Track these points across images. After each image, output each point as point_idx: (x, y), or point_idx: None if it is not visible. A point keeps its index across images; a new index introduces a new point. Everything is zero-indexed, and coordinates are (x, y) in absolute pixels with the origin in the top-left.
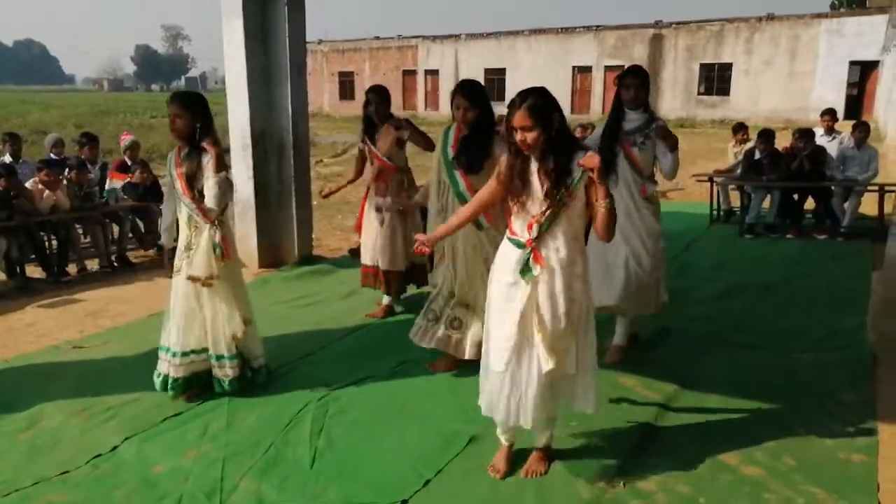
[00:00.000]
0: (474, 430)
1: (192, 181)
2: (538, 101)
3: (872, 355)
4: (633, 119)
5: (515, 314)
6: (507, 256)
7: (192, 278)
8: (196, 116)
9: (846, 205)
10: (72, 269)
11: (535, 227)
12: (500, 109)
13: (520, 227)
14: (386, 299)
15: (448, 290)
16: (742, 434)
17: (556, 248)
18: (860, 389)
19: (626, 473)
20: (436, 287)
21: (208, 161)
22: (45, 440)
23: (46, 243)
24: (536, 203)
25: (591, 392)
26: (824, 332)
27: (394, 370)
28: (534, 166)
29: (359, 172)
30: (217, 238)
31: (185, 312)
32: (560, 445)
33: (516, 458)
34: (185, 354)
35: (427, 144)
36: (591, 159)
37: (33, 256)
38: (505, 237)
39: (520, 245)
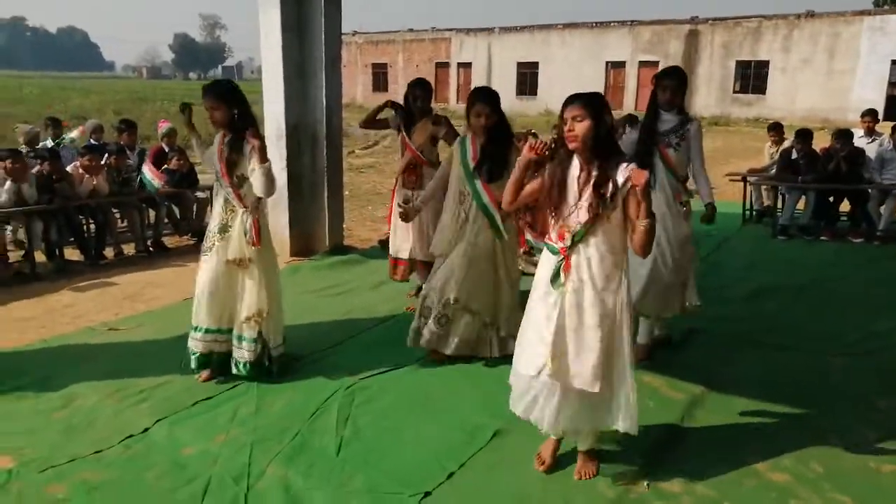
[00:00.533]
0: (499, 423)
1: (232, 167)
2: (593, 96)
3: None
4: (667, 120)
5: (551, 321)
6: (544, 261)
7: (230, 261)
8: (232, 105)
9: (882, 208)
10: (109, 252)
11: (567, 236)
12: (532, 104)
13: (556, 234)
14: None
15: (450, 294)
16: (770, 438)
17: (589, 259)
18: (894, 396)
19: (651, 474)
20: (431, 290)
21: (251, 150)
22: (80, 419)
23: (84, 227)
24: (573, 212)
25: (628, 410)
26: (858, 335)
27: (420, 362)
28: (574, 171)
29: (373, 123)
30: (248, 224)
31: (211, 291)
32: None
33: (566, 459)
34: (208, 331)
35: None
36: (640, 175)
37: (72, 239)
38: (545, 242)
39: (554, 252)
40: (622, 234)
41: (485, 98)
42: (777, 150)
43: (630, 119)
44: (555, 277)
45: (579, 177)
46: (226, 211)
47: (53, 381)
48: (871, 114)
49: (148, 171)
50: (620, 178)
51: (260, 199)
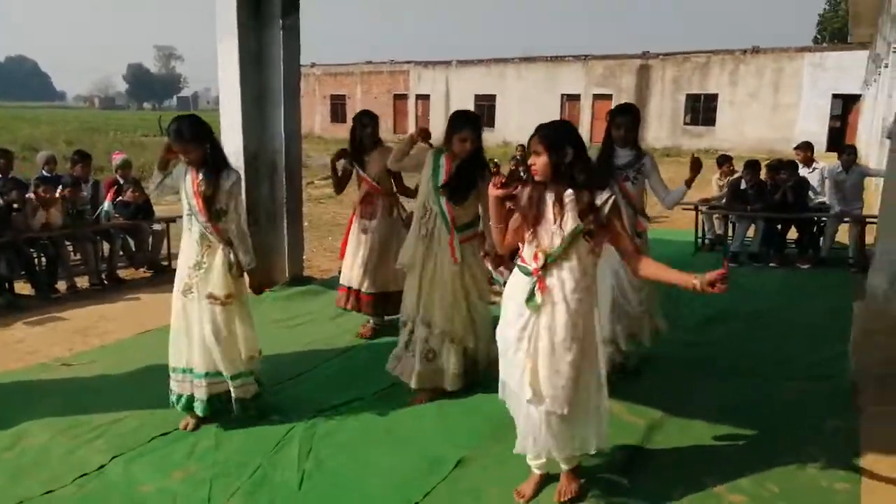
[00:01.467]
0: (462, 452)
1: (210, 202)
2: (550, 130)
3: (854, 385)
4: (622, 155)
5: (523, 341)
6: (516, 282)
7: (211, 297)
8: (204, 141)
9: (823, 237)
10: (61, 286)
11: (541, 256)
12: (489, 136)
13: (529, 255)
14: (372, 320)
15: (424, 319)
16: (727, 461)
17: (563, 281)
18: (843, 418)
19: (612, 499)
20: (409, 316)
21: (230, 187)
22: (30, 459)
23: (36, 260)
24: (548, 234)
25: (594, 430)
26: (807, 360)
27: (382, 392)
28: (549, 197)
29: (343, 186)
30: (232, 257)
31: (202, 335)
32: (546, 470)
33: (545, 484)
34: (207, 375)
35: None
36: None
37: (23, 273)
38: (517, 264)
39: (527, 273)
40: (593, 260)
41: (472, 125)
42: (725, 182)
43: None
44: (530, 298)
45: (553, 203)
46: (202, 246)
47: (3, 419)
48: (803, 147)
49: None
50: (597, 203)
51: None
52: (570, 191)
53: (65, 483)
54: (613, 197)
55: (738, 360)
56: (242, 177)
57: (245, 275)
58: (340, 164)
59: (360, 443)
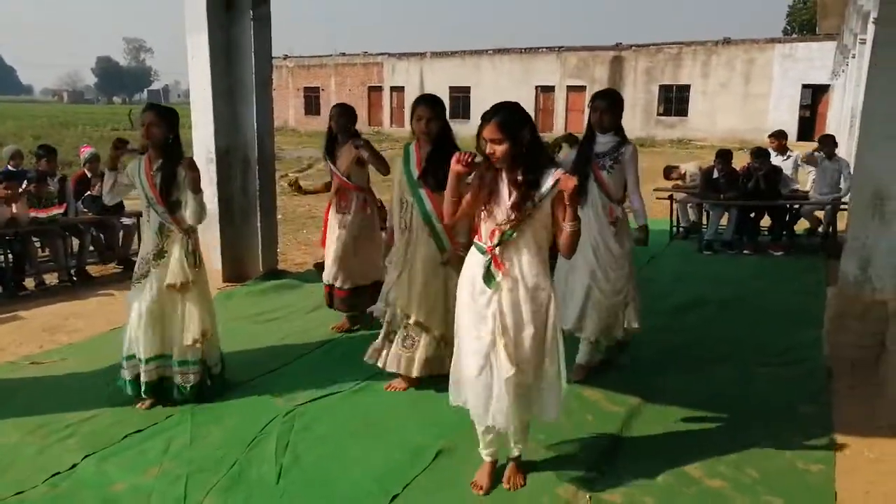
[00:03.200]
0: (441, 443)
1: (167, 192)
2: (508, 116)
3: (828, 369)
4: (602, 142)
5: (486, 321)
6: (471, 261)
7: (170, 286)
8: (171, 128)
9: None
10: (29, 283)
11: (497, 234)
12: (464, 127)
13: (485, 232)
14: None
15: (403, 308)
16: (705, 446)
17: (519, 259)
18: (817, 402)
19: (592, 486)
20: (390, 305)
21: (185, 179)
22: (0, 459)
23: (2, 257)
24: (503, 212)
25: (553, 400)
26: (781, 346)
27: (359, 385)
28: (504, 176)
29: (329, 186)
30: (190, 247)
31: (152, 319)
32: (526, 458)
33: (497, 475)
34: (151, 360)
35: (383, 168)
36: (568, 181)
37: None
38: (473, 242)
39: (482, 251)
40: (547, 237)
41: (425, 102)
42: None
43: (569, 138)
44: (487, 276)
45: (508, 182)
46: (161, 236)
47: None
48: (777, 135)
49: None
50: (549, 182)
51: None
52: (521, 169)
53: (36, 483)
54: (559, 178)
55: (714, 346)
56: (214, 170)
57: (201, 263)
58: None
59: (339, 436)
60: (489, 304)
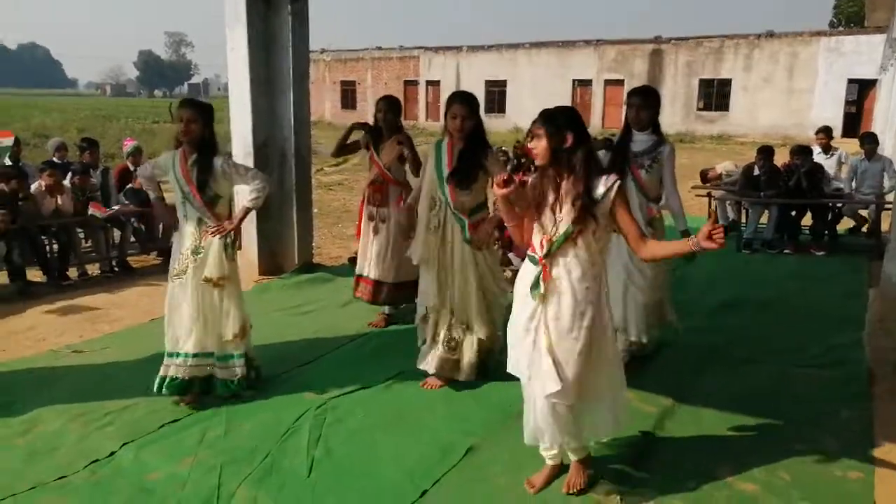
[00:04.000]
0: (471, 441)
1: (204, 186)
2: (553, 114)
3: (869, 372)
4: (640, 140)
5: (530, 332)
6: (525, 272)
7: (206, 280)
8: (207, 124)
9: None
10: (72, 273)
11: (545, 244)
12: (500, 121)
13: (537, 243)
14: (386, 308)
15: (442, 308)
16: (738, 449)
17: (568, 269)
18: (857, 406)
19: (622, 488)
20: (427, 307)
21: (231, 166)
22: (43, 445)
23: (47, 247)
24: (550, 221)
25: (612, 418)
26: (821, 348)
27: (392, 380)
28: (548, 182)
29: (343, 150)
30: (228, 240)
31: (195, 315)
32: (559, 461)
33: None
34: (194, 356)
35: (416, 169)
36: (500, 187)
37: (34, 260)
38: (527, 253)
39: (534, 262)
40: (600, 247)
41: (461, 100)
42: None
43: (607, 142)
44: (534, 286)
45: (555, 189)
46: (199, 231)
47: (15, 405)
48: (825, 131)
49: (92, 209)
50: (600, 191)
51: (230, 212)
52: (569, 178)
53: (77, 469)
54: (618, 183)
55: (752, 347)
56: (252, 163)
57: (236, 257)
58: (356, 134)
59: (370, 430)
60: (533, 316)
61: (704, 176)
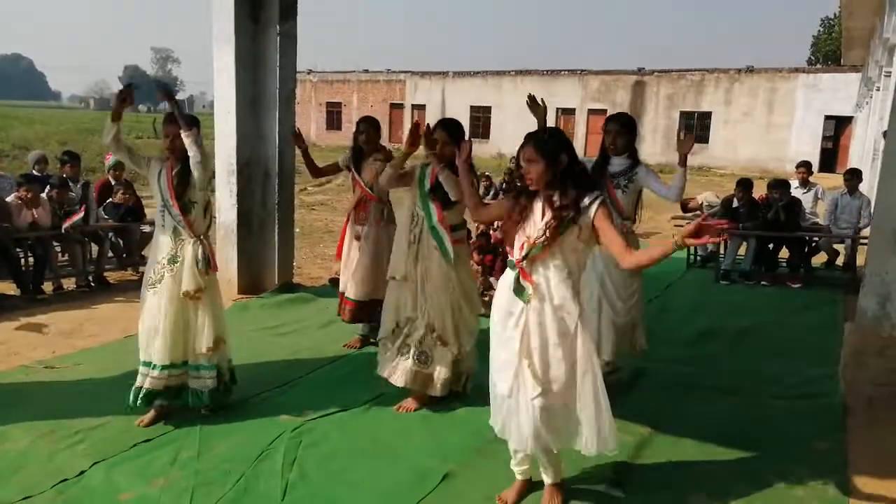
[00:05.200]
0: (448, 466)
1: (182, 193)
2: (546, 139)
3: (844, 405)
4: (616, 164)
5: (513, 341)
6: (503, 283)
7: (185, 294)
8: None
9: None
10: (48, 287)
11: (526, 247)
12: (484, 147)
13: (516, 246)
14: (363, 328)
15: (415, 321)
16: (714, 480)
17: (547, 278)
18: (832, 438)
19: None
20: (399, 321)
21: (198, 178)
22: (9, 463)
23: (22, 260)
24: (535, 229)
25: (595, 431)
26: (797, 379)
27: (370, 403)
28: (538, 202)
29: (320, 172)
30: (200, 254)
31: (167, 325)
32: (529, 476)
33: (529, 492)
34: (164, 368)
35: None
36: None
37: (8, 273)
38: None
39: (512, 266)
40: (577, 260)
41: (443, 126)
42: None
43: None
44: (518, 289)
45: (541, 207)
46: (175, 241)
47: None
48: (805, 165)
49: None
50: (585, 202)
51: (207, 229)
52: (557, 194)
53: (44, 489)
54: (601, 198)
55: (728, 377)
56: (235, 182)
57: (213, 269)
58: (340, 159)
59: (346, 454)
60: (517, 324)
61: (685, 206)
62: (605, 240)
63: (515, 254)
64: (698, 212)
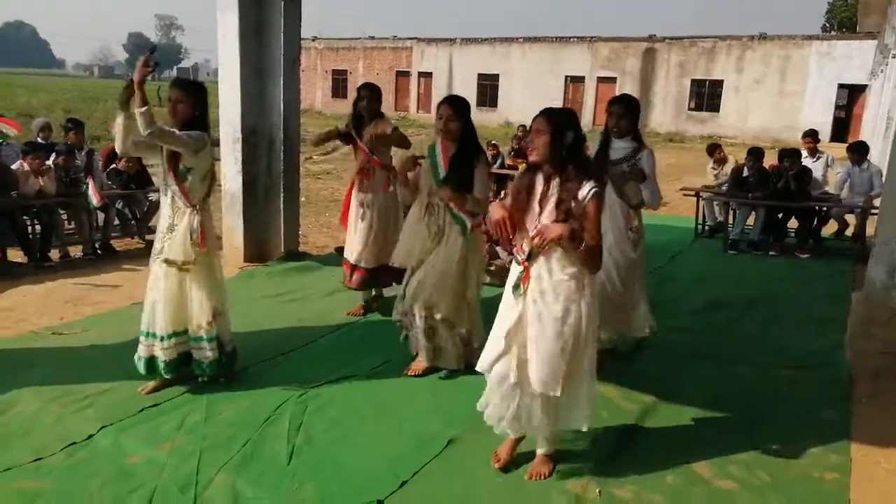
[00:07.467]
0: (453, 432)
1: (177, 163)
2: (557, 113)
3: (850, 374)
4: (619, 147)
5: (513, 329)
6: (512, 272)
7: (167, 261)
8: (197, 104)
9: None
10: (54, 254)
11: (526, 247)
12: (492, 115)
13: (523, 244)
14: (364, 295)
15: (427, 304)
16: (718, 447)
17: (550, 270)
18: (837, 408)
19: (602, 481)
20: (415, 301)
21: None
22: (20, 426)
23: (29, 228)
24: (532, 224)
25: (582, 410)
26: (804, 349)
27: (374, 369)
28: (538, 185)
29: (318, 142)
30: (195, 224)
31: (167, 296)
32: (522, 434)
33: (521, 460)
34: (170, 337)
35: (405, 143)
36: (549, 231)
37: (16, 240)
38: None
39: (518, 263)
40: (578, 247)
41: (448, 101)
42: (720, 170)
43: None
44: (516, 286)
45: (541, 190)
46: (173, 209)
47: None
48: (811, 134)
49: (90, 190)
50: (583, 193)
51: (206, 198)
52: (557, 179)
53: (53, 451)
54: (596, 190)
55: (734, 347)
56: (240, 150)
57: (201, 244)
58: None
59: (351, 419)
60: (517, 314)
61: (711, 151)
62: (585, 222)
63: (521, 249)
64: (717, 165)
